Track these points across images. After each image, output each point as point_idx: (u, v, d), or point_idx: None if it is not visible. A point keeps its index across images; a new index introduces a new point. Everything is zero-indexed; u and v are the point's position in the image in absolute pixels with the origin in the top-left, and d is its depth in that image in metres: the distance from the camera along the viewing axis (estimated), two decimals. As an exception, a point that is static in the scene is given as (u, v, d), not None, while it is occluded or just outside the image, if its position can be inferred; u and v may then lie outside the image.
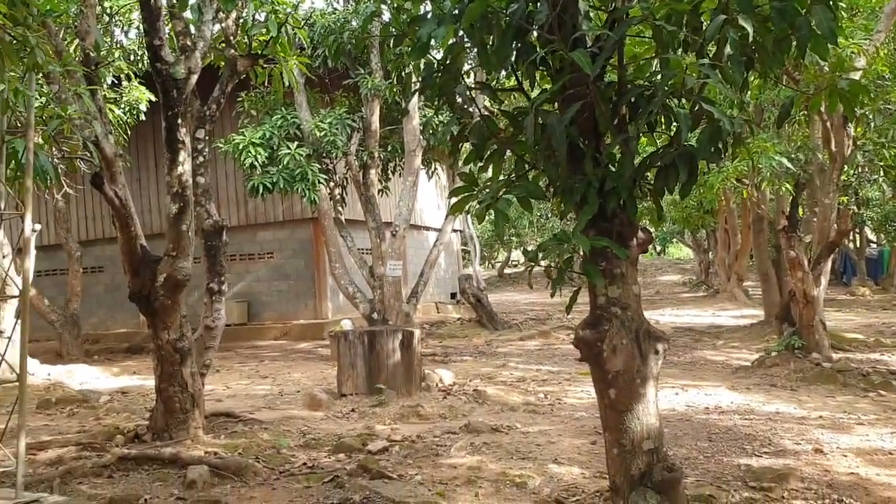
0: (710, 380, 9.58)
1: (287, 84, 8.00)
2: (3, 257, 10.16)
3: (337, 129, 12.53)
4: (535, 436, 6.79)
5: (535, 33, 3.59)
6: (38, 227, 13.13)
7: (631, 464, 3.44)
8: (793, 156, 10.32)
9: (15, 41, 3.44)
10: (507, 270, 44.08)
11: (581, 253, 3.48)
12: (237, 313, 17.50)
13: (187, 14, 7.19)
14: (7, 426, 3.81)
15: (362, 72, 12.88)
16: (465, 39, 3.85)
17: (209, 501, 5.20)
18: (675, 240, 39.73)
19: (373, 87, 12.50)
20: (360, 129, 13.28)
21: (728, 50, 3.07)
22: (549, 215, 35.04)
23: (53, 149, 7.05)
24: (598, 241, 3.35)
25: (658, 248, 48.33)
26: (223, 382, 11.07)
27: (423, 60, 3.95)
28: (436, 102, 4.01)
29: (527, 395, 8.93)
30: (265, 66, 7.85)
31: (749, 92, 9.57)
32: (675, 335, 14.35)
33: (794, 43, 3.25)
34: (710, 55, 3.30)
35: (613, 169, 3.51)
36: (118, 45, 11.78)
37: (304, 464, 6.08)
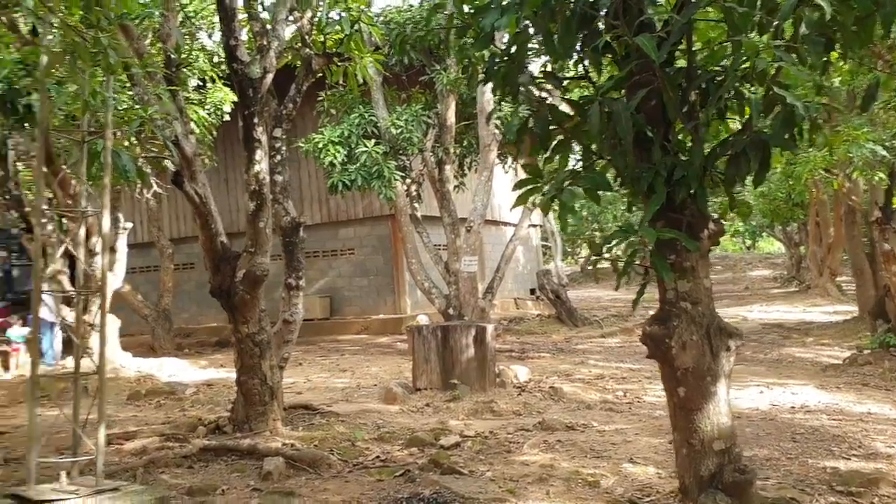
0: (797, 378, 9.19)
1: (362, 81, 8.07)
2: (95, 255, 10.62)
3: (413, 125, 12.60)
4: (610, 434, 6.65)
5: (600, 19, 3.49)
6: (129, 225, 13.72)
7: (700, 464, 3.31)
8: (887, 143, 9.75)
9: (89, 44, 3.58)
10: (589, 266, 43.43)
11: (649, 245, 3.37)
12: (320, 308, 17.87)
13: (265, 15, 7.35)
14: (87, 416, 3.98)
15: (438, 68, 12.90)
16: (531, 28, 3.78)
17: (283, 493, 5.28)
18: (765, 233, 38.31)
19: (448, 82, 12.50)
20: (436, 126, 13.31)
21: (803, 30, 2.90)
22: (635, 209, 34.29)
23: (139, 149, 7.34)
24: (665, 233, 3.23)
25: (748, 243, 46.83)
26: (304, 375, 11.30)
27: (486, 51, 3.90)
28: (499, 93, 3.94)
29: (605, 392, 8.77)
30: (340, 64, 7.95)
31: (839, 77, 9.10)
32: (762, 331, 13.86)
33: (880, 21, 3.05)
34: (789, 37, 3.13)
35: (683, 157, 3.37)
36: (201, 48, 12.14)
37: (378, 457, 6.12)
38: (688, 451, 3.34)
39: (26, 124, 7.02)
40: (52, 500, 3.54)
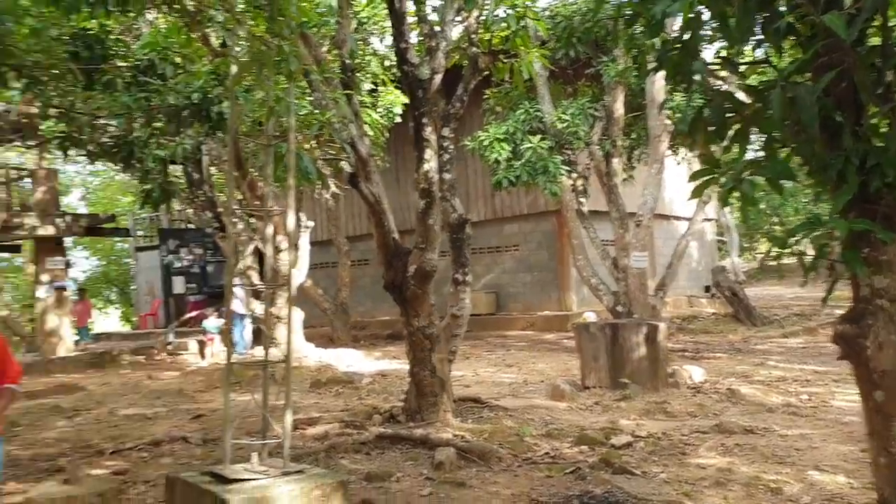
0: None
1: (527, 77, 8.08)
2: (281, 252, 11.35)
3: (579, 119, 12.44)
4: (794, 439, 6.27)
5: (781, -1, 3.28)
6: (311, 223, 14.56)
7: (902, 476, 3.03)
8: None
9: (273, 53, 3.84)
10: (771, 262, 41.02)
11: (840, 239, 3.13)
12: (486, 303, 18.07)
13: (433, 17, 7.53)
14: (275, 402, 4.27)
15: (605, 59, 12.65)
16: (704, 13, 3.62)
17: (455, 483, 5.42)
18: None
19: (616, 74, 12.22)
20: (603, 118, 13.06)
21: None
22: (820, 200, 32.00)
23: (318, 151, 7.77)
24: (858, 224, 2.98)
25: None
26: (472, 369, 11.49)
27: (657, 39, 3.77)
28: (672, 82, 3.80)
29: (787, 395, 8.25)
30: (506, 61, 8.00)
31: None
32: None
33: None
34: None
35: (877, 143, 3.10)
36: (373, 52, 12.64)
37: (547, 453, 6.12)
38: (887, 460, 3.07)
39: (219, 131, 7.63)
40: (245, 479, 3.82)
